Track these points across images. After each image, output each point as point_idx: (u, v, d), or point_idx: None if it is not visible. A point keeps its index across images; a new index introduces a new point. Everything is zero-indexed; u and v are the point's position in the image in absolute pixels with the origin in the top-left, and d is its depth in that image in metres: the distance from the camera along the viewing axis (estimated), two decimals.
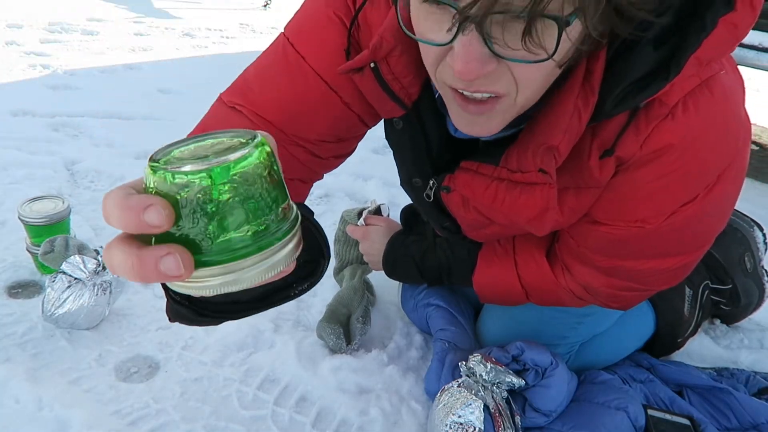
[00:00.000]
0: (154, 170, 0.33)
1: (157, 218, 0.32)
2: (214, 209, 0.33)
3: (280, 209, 0.36)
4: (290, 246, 0.37)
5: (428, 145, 0.76)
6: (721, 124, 0.63)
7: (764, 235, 1.18)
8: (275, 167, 0.36)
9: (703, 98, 0.60)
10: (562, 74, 0.56)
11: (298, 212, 0.39)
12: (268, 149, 0.35)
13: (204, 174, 0.32)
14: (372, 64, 0.65)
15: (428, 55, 0.56)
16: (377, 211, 1.14)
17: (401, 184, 0.88)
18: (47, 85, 2.31)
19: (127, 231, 0.34)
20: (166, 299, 0.51)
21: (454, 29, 0.47)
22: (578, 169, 0.66)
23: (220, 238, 0.33)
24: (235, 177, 0.33)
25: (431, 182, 0.80)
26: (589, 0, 0.44)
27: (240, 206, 0.33)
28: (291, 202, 0.38)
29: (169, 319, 0.52)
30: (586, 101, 0.58)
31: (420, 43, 0.55)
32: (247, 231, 0.34)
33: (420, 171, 0.81)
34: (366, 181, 1.70)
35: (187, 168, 0.32)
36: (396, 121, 0.75)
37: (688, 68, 0.55)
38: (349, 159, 2.05)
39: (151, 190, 0.33)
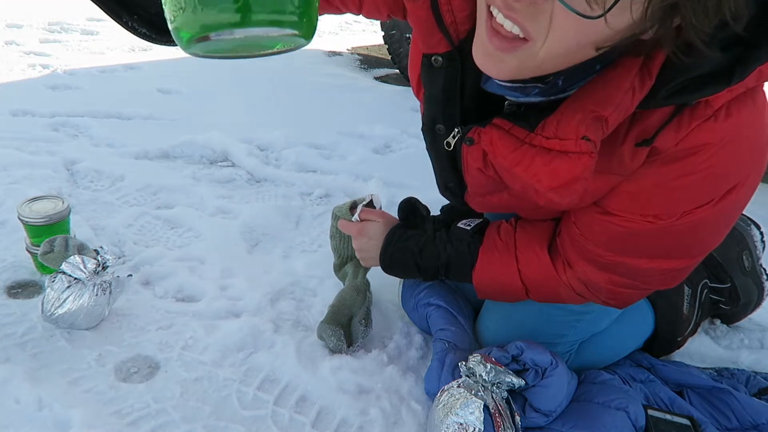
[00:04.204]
0: None
1: None
2: None
3: None
4: None
5: (462, 91, 0.75)
6: (755, 134, 0.64)
7: (762, 233, 1.18)
8: None
9: (746, 106, 0.61)
10: (613, 54, 0.56)
11: None
12: None
13: None
14: None
15: None
16: (370, 204, 1.10)
17: (422, 129, 0.86)
18: (47, 85, 2.31)
19: None
20: None
21: None
22: (608, 152, 0.66)
23: None
24: None
25: (456, 130, 0.79)
26: None
27: None
28: None
29: None
30: (642, 83, 0.59)
31: None
32: None
33: (447, 116, 0.79)
34: (366, 181, 1.70)
35: None
36: (436, 58, 0.73)
37: (748, 78, 0.55)
38: (349, 159, 2.05)
39: None
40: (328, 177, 1.71)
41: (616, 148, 0.66)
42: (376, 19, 0.82)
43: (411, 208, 1.05)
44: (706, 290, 1.14)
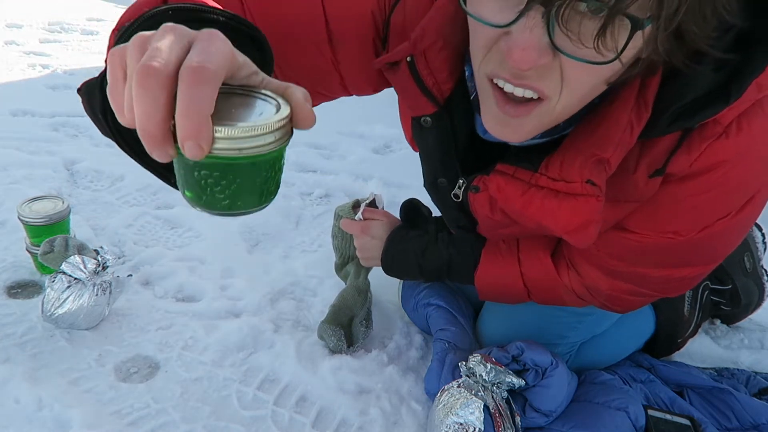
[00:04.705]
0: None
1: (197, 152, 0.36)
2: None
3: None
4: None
5: (456, 144, 0.75)
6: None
7: (763, 234, 1.18)
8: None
9: (756, 118, 0.61)
10: (611, 88, 0.55)
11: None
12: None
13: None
14: (408, 58, 0.64)
15: (479, 38, 0.54)
16: (372, 203, 1.10)
17: (424, 185, 0.86)
18: (47, 85, 2.31)
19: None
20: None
21: (520, 7, 0.46)
22: (621, 182, 0.66)
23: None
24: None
25: (460, 182, 0.78)
26: (667, 7, 0.43)
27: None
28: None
29: (81, 92, 0.52)
30: (639, 116, 0.58)
31: (472, 27, 0.54)
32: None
33: (447, 171, 0.79)
34: (366, 181, 1.70)
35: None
36: (424, 120, 0.73)
37: (747, 92, 0.55)
38: (349, 159, 2.04)
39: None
40: (328, 177, 1.71)
41: (629, 176, 0.65)
42: (368, 95, 0.81)
43: (413, 208, 1.05)
44: (707, 292, 1.14)
